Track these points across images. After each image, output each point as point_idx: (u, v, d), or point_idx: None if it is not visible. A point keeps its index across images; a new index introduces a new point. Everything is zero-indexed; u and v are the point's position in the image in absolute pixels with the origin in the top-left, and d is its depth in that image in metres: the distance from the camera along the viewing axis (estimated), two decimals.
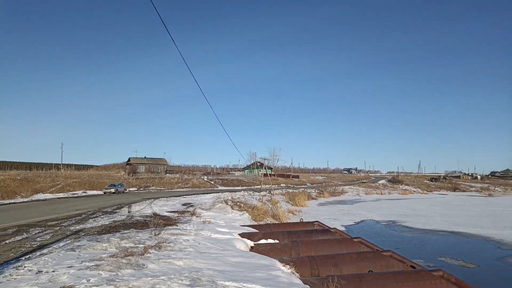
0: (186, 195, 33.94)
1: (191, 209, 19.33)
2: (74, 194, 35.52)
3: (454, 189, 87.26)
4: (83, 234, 10.55)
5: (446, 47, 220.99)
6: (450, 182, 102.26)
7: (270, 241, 10.68)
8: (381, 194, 66.51)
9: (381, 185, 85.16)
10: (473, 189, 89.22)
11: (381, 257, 8.36)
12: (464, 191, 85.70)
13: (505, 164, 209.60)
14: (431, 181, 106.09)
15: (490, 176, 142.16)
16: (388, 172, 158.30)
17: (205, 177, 70.97)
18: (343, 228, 20.88)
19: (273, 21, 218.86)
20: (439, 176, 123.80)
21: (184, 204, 22.80)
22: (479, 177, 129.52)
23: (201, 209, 18.63)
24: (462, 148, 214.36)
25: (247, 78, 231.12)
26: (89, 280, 5.24)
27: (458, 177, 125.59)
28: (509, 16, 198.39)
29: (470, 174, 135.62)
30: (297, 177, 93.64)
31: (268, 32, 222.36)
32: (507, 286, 10.15)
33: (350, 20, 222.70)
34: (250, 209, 19.77)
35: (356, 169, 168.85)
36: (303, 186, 67.63)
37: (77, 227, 12.12)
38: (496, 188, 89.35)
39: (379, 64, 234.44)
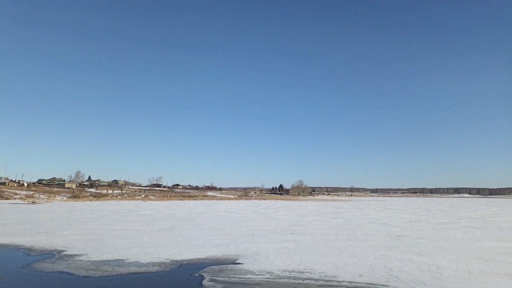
0: None
1: None
2: None
3: None
4: None
5: None
6: None
7: None
8: None
9: None
10: (17, 196, 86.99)
11: None
12: (8, 198, 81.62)
13: (52, 172, 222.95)
14: None
15: (37, 183, 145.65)
16: None
17: None
18: None
19: None
20: None
21: None
22: (25, 184, 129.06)
23: None
24: (8, 154, 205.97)
25: None
26: None
27: (4, 183, 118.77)
28: None
29: (17, 181, 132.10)
30: None
31: None
32: None
33: None
34: None
35: None
36: None
37: None
38: (41, 196, 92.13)
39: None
